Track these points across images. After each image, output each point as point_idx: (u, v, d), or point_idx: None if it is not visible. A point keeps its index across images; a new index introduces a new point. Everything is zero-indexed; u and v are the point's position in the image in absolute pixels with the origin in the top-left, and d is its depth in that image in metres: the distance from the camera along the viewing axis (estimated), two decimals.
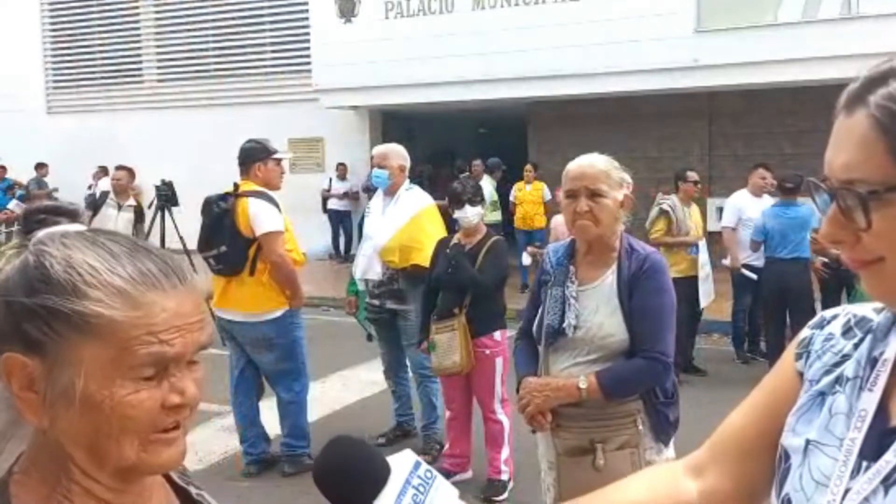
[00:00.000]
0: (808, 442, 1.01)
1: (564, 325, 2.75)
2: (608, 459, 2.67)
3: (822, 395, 1.02)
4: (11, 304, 0.85)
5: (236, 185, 4.94)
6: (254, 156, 5.01)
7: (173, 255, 0.93)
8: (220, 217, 4.82)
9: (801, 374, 1.07)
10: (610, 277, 2.76)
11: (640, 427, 2.72)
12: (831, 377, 1.03)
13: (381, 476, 0.93)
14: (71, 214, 0.96)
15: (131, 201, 8.31)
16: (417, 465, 0.96)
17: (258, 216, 4.79)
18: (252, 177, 4.97)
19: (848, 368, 1.01)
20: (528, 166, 12.05)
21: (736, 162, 11.67)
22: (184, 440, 0.91)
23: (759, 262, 7.44)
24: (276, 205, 4.87)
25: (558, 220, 8.02)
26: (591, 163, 2.77)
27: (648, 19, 11.53)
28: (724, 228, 7.69)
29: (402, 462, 0.96)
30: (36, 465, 0.89)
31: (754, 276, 7.43)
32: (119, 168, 8.54)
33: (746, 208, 7.59)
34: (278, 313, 4.90)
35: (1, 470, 0.90)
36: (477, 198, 4.82)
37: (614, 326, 2.72)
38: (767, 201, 7.62)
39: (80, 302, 0.83)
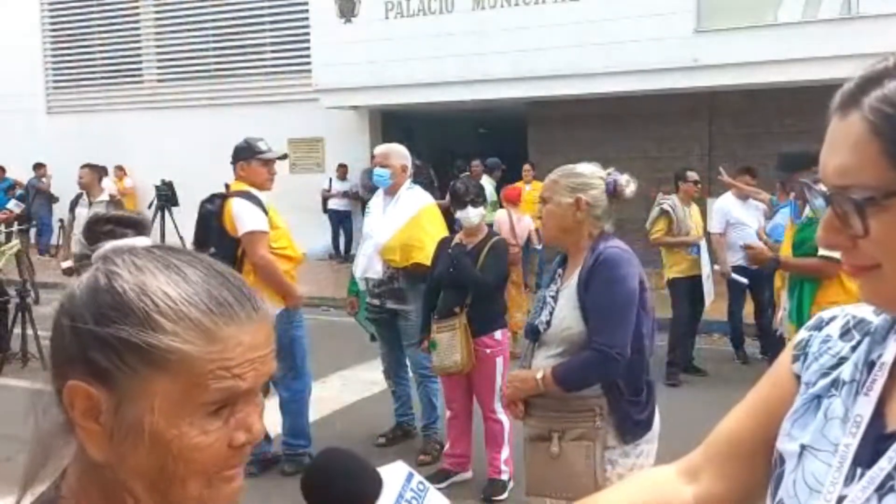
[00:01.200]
0: (802, 447, 0.98)
1: (536, 322, 2.96)
2: (563, 449, 2.82)
3: (818, 398, 1.00)
4: (79, 330, 0.80)
5: (227, 186, 4.95)
6: (237, 155, 5.03)
7: (243, 279, 0.88)
8: (207, 218, 4.86)
9: (797, 377, 1.05)
10: (577, 275, 2.90)
11: (598, 422, 2.80)
12: (827, 380, 1.00)
13: (372, 490, 0.91)
14: (138, 226, 0.92)
15: (103, 197, 8.22)
16: (410, 477, 0.93)
17: (240, 216, 4.79)
18: (237, 176, 4.99)
19: (845, 371, 0.99)
20: (527, 166, 12.03)
21: (736, 162, 11.64)
22: (242, 474, 0.88)
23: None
24: (260, 204, 4.86)
25: (499, 217, 8.58)
26: (551, 173, 3.02)
27: (648, 19, 11.53)
28: (713, 234, 7.68)
29: (394, 474, 0.93)
30: (86, 490, 0.85)
31: (745, 280, 7.43)
32: (83, 167, 8.50)
33: (733, 211, 7.60)
34: (274, 313, 4.93)
35: (44, 479, 0.87)
36: (480, 198, 4.83)
37: (572, 320, 2.86)
38: (753, 203, 7.63)
39: (155, 335, 0.78)
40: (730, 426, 1.16)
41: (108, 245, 0.86)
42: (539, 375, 2.85)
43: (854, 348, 1.00)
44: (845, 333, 1.03)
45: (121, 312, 0.79)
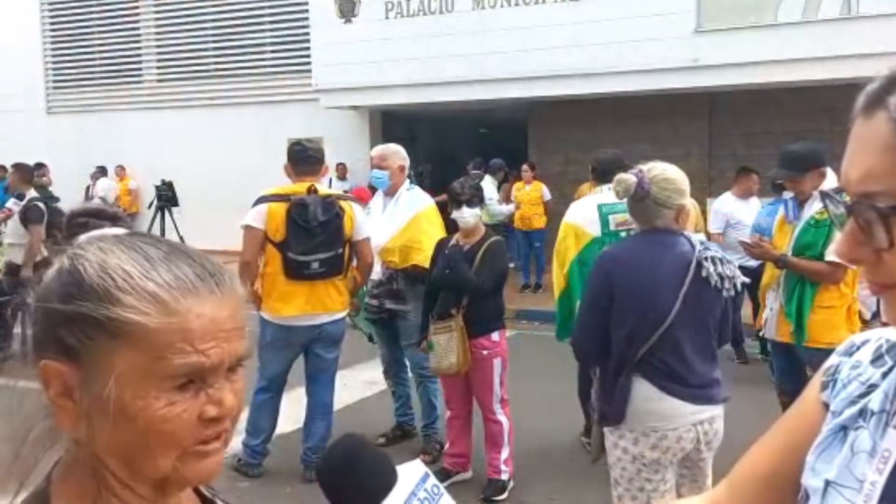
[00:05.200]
0: (827, 482, 0.91)
1: None
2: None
3: (844, 429, 0.93)
4: (48, 310, 0.84)
5: (315, 188, 4.83)
6: (324, 159, 5.10)
7: (213, 258, 0.91)
8: (339, 219, 4.80)
9: (826, 406, 0.98)
10: None
11: (594, 399, 3.27)
12: (855, 409, 0.93)
13: (386, 483, 0.91)
14: (113, 218, 0.95)
15: (32, 193, 8.01)
16: (426, 478, 0.93)
17: (364, 222, 4.97)
18: (320, 177, 5.06)
19: (874, 401, 0.91)
20: (525, 166, 12.08)
21: (736, 162, 11.67)
22: (222, 452, 0.88)
23: (753, 262, 7.43)
24: None
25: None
26: None
27: (648, 19, 11.52)
28: (712, 234, 7.66)
29: (410, 472, 0.93)
30: (74, 474, 0.87)
31: (747, 280, 7.41)
32: (11, 167, 8.42)
33: (736, 212, 7.58)
34: (346, 311, 5.06)
35: (38, 477, 0.89)
36: (475, 199, 4.78)
37: None
38: (755, 204, 7.62)
39: (112, 308, 0.82)
40: (754, 459, 1.09)
41: (84, 236, 0.90)
42: None
43: (885, 375, 0.92)
44: (877, 359, 0.95)
45: (82, 289, 0.83)
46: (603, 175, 5.08)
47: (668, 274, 2.98)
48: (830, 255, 4.05)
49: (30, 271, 7.42)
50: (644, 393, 3.00)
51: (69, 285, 0.84)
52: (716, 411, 3.10)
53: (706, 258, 3.03)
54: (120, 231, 0.92)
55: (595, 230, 4.83)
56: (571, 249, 4.85)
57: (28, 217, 7.47)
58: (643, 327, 2.96)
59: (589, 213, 4.93)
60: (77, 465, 0.87)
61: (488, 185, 11.04)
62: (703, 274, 3.00)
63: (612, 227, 4.79)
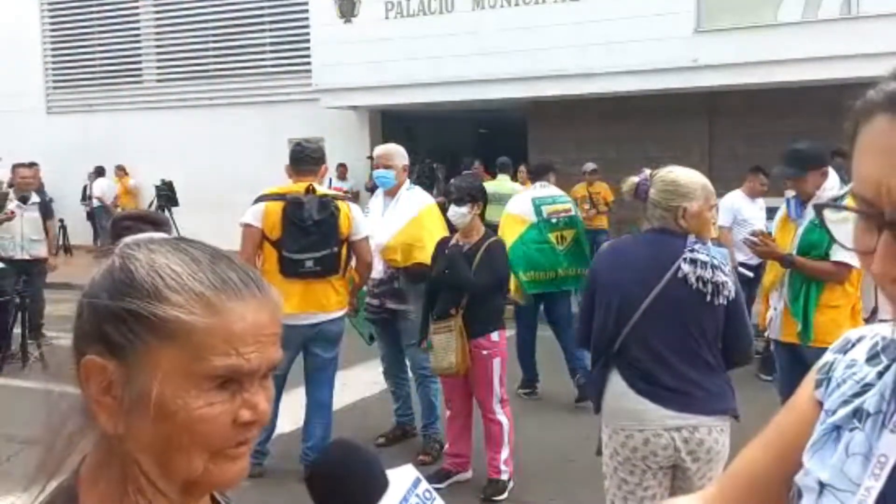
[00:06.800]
0: (821, 484, 0.89)
1: None
2: None
3: (838, 429, 0.90)
4: (95, 305, 0.86)
5: (313, 188, 4.85)
6: (324, 159, 5.12)
7: (252, 267, 0.93)
8: (333, 219, 4.81)
9: (820, 404, 0.96)
10: None
11: None
12: (849, 409, 0.90)
13: (377, 489, 0.91)
14: (156, 222, 0.98)
15: None
16: (417, 483, 0.93)
17: (362, 221, 4.97)
18: (320, 177, 5.07)
19: (869, 401, 0.88)
20: (522, 167, 12.15)
21: (736, 162, 11.67)
22: (248, 458, 0.90)
23: (755, 260, 7.45)
24: None
25: None
26: None
27: (648, 19, 11.53)
28: (721, 228, 7.67)
29: (401, 477, 0.93)
30: (103, 472, 0.88)
31: (751, 274, 7.44)
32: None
33: (743, 209, 7.62)
34: (344, 311, 5.06)
35: (65, 472, 0.90)
36: (465, 197, 4.71)
37: None
38: (760, 204, 7.65)
39: (160, 306, 0.83)
40: (746, 456, 1.08)
41: (129, 238, 0.92)
42: None
43: (881, 374, 0.89)
44: (872, 357, 0.92)
45: (131, 287, 0.85)
46: (536, 175, 6.94)
47: (645, 270, 2.98)
48: (836, 254, 4.05)
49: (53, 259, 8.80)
50: (616, 388, 3.05)
51: (119, 282, 0.85)
52: (699, 421, 2.94)
53: (686, 259, 2.93)
54: (164, 235, 0.94)
55: (532, 218, 6.30)
56: (514, 234, 6.16)
57: (44, 213, 8.82)
58: (612, 320, 3.03)
59: (525, 205, 6.47)
60: (107, 462, 0.88)
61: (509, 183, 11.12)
62: (679, 274, 2.92)
63: (544, 216, 6.32)
